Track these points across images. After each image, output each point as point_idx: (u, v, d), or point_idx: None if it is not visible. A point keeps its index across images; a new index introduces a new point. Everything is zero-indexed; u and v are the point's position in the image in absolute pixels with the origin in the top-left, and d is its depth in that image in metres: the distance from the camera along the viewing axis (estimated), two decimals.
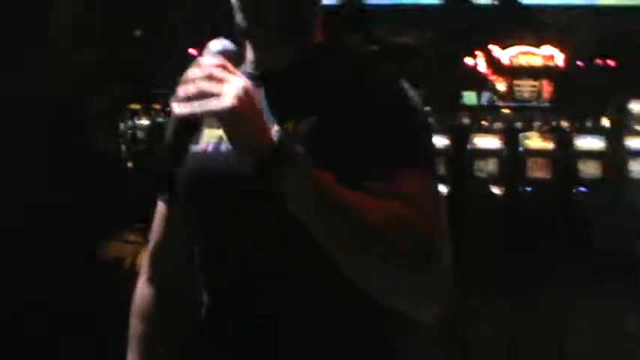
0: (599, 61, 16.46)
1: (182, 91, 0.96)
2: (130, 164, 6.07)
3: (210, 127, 1.13)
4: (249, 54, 1.21)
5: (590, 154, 8.59)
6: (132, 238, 4.02)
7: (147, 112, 9.33)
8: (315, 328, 1.15)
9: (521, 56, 16.42)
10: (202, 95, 0.94)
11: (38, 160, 3.54)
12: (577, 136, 8.99)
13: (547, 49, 16.19)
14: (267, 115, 1.04)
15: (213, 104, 0.94)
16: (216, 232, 1.20)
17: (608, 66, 16.32)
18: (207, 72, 0.96)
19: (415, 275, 1.00)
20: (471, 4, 16.77)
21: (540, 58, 16.32)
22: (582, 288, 5.62)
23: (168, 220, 1.34)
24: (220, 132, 1.07)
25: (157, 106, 9.81)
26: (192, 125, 1.02)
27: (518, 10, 16.10)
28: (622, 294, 5.42)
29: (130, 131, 8.09)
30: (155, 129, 8.04)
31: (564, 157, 8.57)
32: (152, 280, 1.38)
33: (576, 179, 8.40)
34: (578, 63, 16.64)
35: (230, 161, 1.09)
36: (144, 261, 1.41)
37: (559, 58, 16.32)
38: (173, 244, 1.33)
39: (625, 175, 8.05)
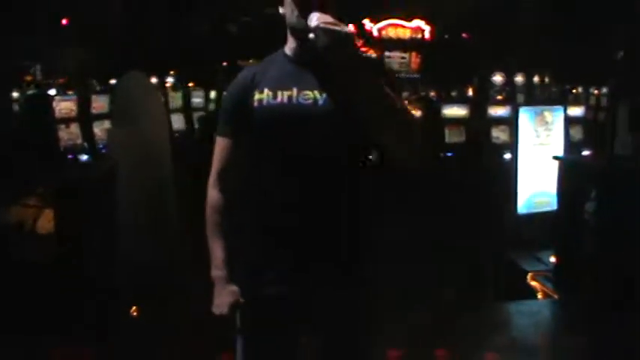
0: (464, 35, 17.28)
1: (324, 18, 1.76)
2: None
3: (282, 89, 1.93)
4: (292, 44, 1.99)
5: (455, 121, 9.05)
6: (32, 202, 4.09)
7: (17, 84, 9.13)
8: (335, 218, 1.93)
9: (390, 29, 17.00)
10: (334, 24, 1.74)
11: None
12: (444, 104, 9.44)
13: (416, 23, 16.83)
14: (300, 84, 1.93)
15: (342, 27, 1.75)
16: (288, 151, 1.92)
17: (473, 39, 17.14)
18: (332, 19, 1.76)
19: (407, 129, 1.85)
20: None
21: (409, 31, 16.96)
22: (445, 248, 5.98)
23: (233, 149, 2.03)
24: (288, 92, 1.92)
25: (29, 78, 9.61)
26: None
27: None
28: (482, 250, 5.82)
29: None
30: (25, 101, 7.91)
31: (431, 123, 8.99)
32: (221, 189, 2.05)
33: (443, 145, 8.86)
34: (445, 36, 17.40)
35: (299, 108, 1.91)
36: (212, 178, 2.06)
37: (427, 32, 17.01)
38: (234, 166, 2.03)
39: (487, 141, 8.52)
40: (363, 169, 1.99)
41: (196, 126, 11.15)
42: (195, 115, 11.47)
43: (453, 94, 11.48)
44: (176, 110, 11.22)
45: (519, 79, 10.87)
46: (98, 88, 9.46)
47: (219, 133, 2.05)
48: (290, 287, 1.94)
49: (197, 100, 11.99)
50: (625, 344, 3.79)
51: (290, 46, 2.01)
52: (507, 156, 7.38)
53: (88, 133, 7.88)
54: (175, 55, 13.32)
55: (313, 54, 1.85)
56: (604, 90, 12.82)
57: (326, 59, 1.79)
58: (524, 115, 5.78)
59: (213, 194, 2.06)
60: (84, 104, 7.98)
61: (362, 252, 1.99)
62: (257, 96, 1.97)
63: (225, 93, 2.12)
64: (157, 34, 13.27)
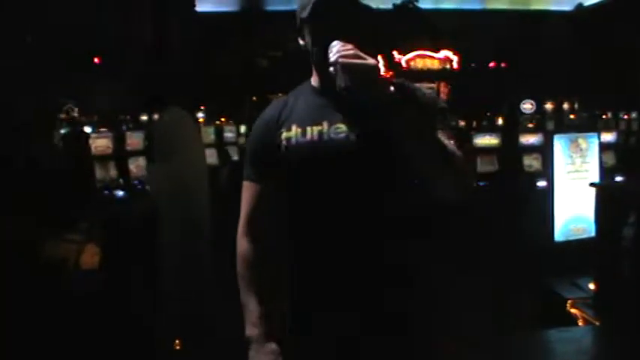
0: (492, 63, 17.32)
1: (345, 48, 1.59)
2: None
3: (311, 125, 1.75)
4: (317, 75, 1.83)
5: (486, 151, 9.03)
6: (74, 237, 4.17)
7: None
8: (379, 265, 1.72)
9: (419, 60, 17.13)
10: (355, 56, 1.58)
11: None
12: (474, 134, 9.42)
13: (443, 53, 16.95)
14: (331, 117, 1.75)
15: (366, 61, 1.59)
16: (321, 191, 1.73)
17: (501, 68, 17.19)
18: (354, 50, 1.60)
19: (457, 173, 1.72)
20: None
21: (437, 62, 17.08)
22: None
23: (261, 195, 1.83)
24: (318, 128, 1.74)
25: (64, 116, 9.78)
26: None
27: (415, 15, 16.68)
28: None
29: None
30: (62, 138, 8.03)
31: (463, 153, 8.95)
32: (252, 238, 1.84)
33: (474, 174, 8.83)
34: (472, 65, 17.46)
35: (332, 143, 1.72)
36: (241, 226, 1.86)
37: (455, 61, 17.12)
38: (264, 212, 1.84)
39: (519, 169, 8.47)
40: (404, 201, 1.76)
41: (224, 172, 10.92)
42: (228, 148, 11.53)
43: (484, 123, 11.46)
44: (209, 145, 11.28)
45: (549, 106, 10.83)
46: (131, 125, 9.61)
47: (245, 176, 1.87)
48: (337, 335, 1.75)
49: (229, 134, 12.10)
50: None
51: (315, 78, 1.86)
52: (541, 184, 7.38)
53: (123, 169, 8.02)
54: (206, 90, 13.50)
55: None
56: (634, 115, 12.70)
57: (348, 99, 1.62)
58: (559, 143, 5.78)
59: (242, 244, 1.85)
60: (119, 141, 8.11)
61: (409, 292, 1.78)
62: (285, 134, 1.78)
63: (250, 133, 1.93)
64: (189, 69, 13.48)
